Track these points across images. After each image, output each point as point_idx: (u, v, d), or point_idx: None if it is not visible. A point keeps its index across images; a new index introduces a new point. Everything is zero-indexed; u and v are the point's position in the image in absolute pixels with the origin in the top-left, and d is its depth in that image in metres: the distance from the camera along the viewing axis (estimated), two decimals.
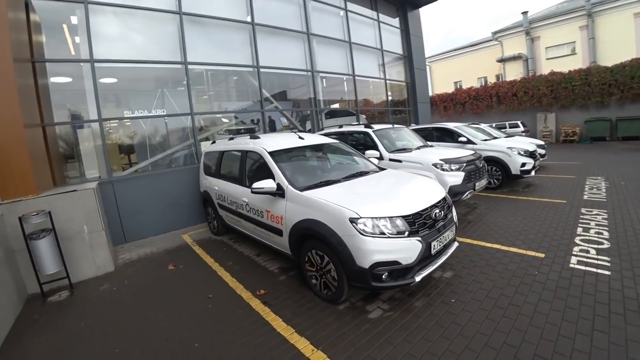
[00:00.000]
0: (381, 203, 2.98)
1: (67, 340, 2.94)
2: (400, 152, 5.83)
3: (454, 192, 4.94)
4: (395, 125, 6.87)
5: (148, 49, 5.94)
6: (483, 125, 10.12)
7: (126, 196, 5.52)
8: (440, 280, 3.38)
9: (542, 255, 3.72)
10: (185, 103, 6.21)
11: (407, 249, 2.75)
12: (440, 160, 5.19)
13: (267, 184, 3.49)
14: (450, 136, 7.85)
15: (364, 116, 11.86)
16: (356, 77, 9.77)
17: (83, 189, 4.29)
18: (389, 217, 2.78)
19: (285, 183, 3.48)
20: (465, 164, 5.24)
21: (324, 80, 9.28)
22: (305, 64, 8.47)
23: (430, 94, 23.83)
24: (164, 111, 6.16)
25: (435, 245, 2.94)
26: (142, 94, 6.38)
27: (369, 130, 6.12)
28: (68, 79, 5.61)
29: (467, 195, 5.12)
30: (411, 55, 12.07)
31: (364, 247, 2.68)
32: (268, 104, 7.84)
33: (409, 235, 2.79)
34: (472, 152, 5.82)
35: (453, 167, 5.11)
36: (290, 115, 8.95)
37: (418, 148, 6.08)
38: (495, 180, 7.19)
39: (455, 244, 3.37)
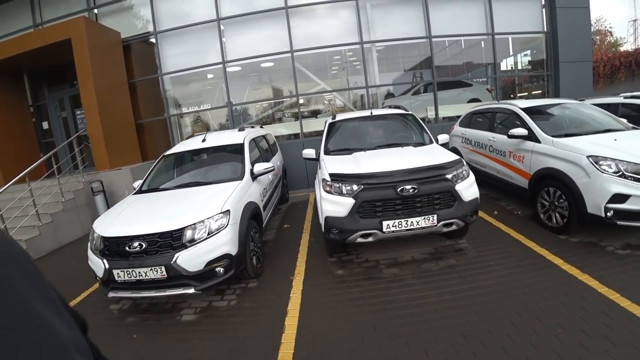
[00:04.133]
0: (117, 223, 3.29)
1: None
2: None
3: (335, 229, 3.48)
4: (381, 112, 5.17)
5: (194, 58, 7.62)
6: None
7: None
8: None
9: None
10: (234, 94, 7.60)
11: (96, 266, 3.14)
12: (331, 174, 3.64)
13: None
14: (517, 123, 4.69)
15: (488, 87, 8.54)
16: (433, 40, 7.17)
17: (124, 168, 6.82)
18: (99, 236, 3.20)
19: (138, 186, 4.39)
20: (364, 187, 3.38)
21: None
22: (359, 35, 7.28)
23: None
24: (209, 105, 7.86)
25: (121, 274, 3.00)
26: (205, 92, 8.27)
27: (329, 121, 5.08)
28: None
29: (361, 238, 3.45)
30: None
31: None
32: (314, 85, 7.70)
33: (100, 256, 3.12)
34: (437, 162, 3.53)
35: (345, 190, 3.48)
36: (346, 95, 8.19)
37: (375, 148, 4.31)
38: (557, 216, 3.98)
39: (187, 290, 3.07)
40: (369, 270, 3.67)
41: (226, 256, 3.16)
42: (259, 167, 4.27)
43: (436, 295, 3.08)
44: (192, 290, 3.05)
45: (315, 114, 8.36)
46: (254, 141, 5.14)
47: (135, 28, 7.74)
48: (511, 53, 8.69)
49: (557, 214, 3.99)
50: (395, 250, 4.01)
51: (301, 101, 8.52)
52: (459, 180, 3.45)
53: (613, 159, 3.52)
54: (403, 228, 3.34)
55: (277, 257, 4.32)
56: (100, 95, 6.78)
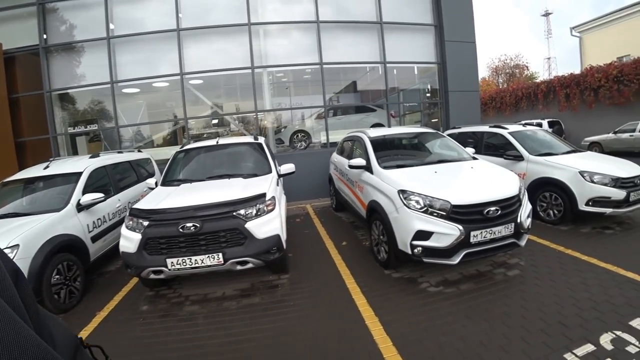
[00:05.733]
0: None
1: None
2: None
3: (130, 264, 3.34)
4: (227, 141, 5.22)
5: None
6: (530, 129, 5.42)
7: None
8: None
9: None
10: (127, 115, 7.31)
11: None
12: (131, 209, 3.60)
13: None
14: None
15: (392, 112, 8.77)
16: (324, 66, 7.36)
17: None
18: None
19: None
20: (150, 223, 3.28)
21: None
22: (251, 59, 7.30)
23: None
24: (96, 126, 7.56)
25: None
26: (97, 111, 7.95)
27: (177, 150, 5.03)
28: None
29: (154, 274, 3.30)
30: (442, 23, 7.76)
31: None
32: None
33: None
34: (228, 198, 3.40)
35: (137, 226, 3.37)
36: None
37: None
38: (383, 250, 3.94)
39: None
40: (171, 307, 3.51)
41: None
42: (87, 197, 4.12)
43: (209, 337, 2.93)
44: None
45: (213, 136, 8.20)
46: (105, 169, 4.93)
47: (22, 39, 7.30)
48: (417, 81, 9.04)
49: (383, 248, 3.93)
50: (214, 284, 3.87)
51: (214, 121, 8.39)
52: (255, 217, 3.33)
53: (419, 194, 3.49)
54: (188, 266, 3.20)
55: (106, 288, 4.10)
56: None
